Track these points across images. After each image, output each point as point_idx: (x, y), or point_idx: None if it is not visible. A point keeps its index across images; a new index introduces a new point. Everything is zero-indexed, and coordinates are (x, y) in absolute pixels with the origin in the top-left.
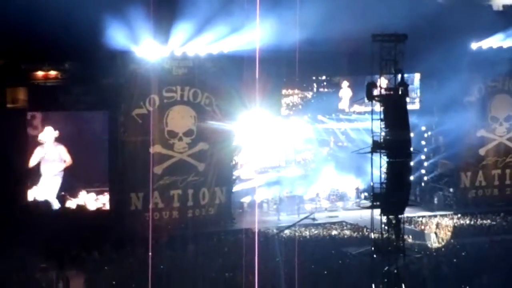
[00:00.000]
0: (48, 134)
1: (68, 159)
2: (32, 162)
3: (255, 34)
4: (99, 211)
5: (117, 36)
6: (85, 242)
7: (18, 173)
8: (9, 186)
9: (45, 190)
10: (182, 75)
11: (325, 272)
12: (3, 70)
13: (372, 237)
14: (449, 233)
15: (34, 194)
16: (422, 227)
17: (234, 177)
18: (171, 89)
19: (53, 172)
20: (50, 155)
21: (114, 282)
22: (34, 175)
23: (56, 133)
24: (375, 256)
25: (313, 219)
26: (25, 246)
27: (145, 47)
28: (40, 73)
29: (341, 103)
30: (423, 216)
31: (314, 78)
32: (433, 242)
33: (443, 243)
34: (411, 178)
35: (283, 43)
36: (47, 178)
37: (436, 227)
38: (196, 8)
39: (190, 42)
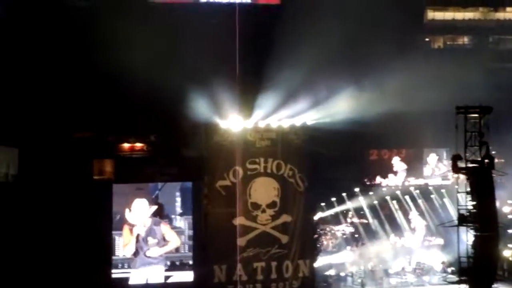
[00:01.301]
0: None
1: (174, 239)
2: (128, 251)
3: (338, 106)
4: (183, 283)
5: (201, 108)
6: None
7: (103, 249)
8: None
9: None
10: (266, 147)
11: None
12: (91, 143)
13: None
14: None
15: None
16: None
17: (317, 250)
18: (255, 161)
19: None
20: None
21: None
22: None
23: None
24: None
25: None
26: None
27: (229, 120)
28: (126, 145)
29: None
30: None
31: None
32: None
33: None
34: (499, 252)
35: (366, 115)
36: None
37: None
38: (280, 80)
39: (273, 114)
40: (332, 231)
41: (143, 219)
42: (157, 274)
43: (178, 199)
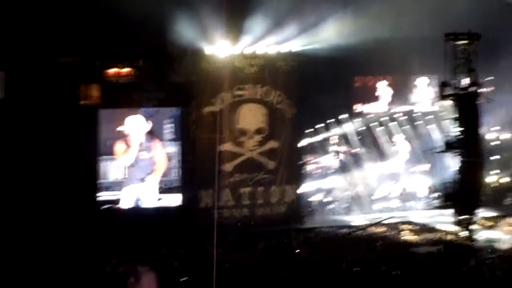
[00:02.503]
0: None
1: (161, 162)
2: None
3: (326, 32)
4: (169, 208)
5: (189, 33)
6: (155, 238)
7: (90, 173)
8: (83, 188)
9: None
10: (254, 73)
11: (396, 273)
12: (77, 67)
13: (443, 238)
14: None
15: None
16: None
17: (304, 176)
18: (243, 87)
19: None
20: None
21: (183, 278)
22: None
23: (149, 125)
24: (446, 257)
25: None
26: (97, 242)
27: (217, 45)
28: (113, 70)
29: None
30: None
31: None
32: None
33: None
34: (484, 178)
35: (353, 41)
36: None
37: None
38: (269, 5)
39: (262, 40)
40: (318, 163)
41: (139, 133)
42: (149, 193)
43: (167, 126)
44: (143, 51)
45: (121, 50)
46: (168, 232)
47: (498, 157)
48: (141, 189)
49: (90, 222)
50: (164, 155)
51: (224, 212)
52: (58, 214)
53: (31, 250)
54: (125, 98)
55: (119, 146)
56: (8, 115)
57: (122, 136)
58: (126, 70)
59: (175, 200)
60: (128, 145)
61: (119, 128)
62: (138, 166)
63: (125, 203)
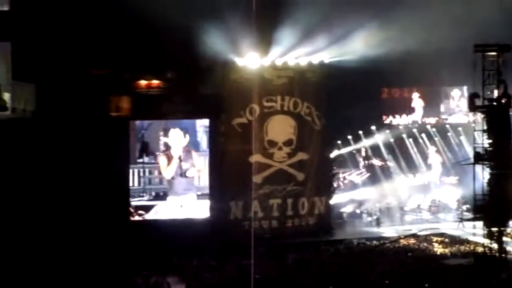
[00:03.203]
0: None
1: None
2: (169, 173)
3: (356, 43)
4: (199, 219)
5: (218, 45)
6: (185, 249)
7: (121, 186)
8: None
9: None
10: (283, 85)
11: (426, 285)
12: (107, 79)
13: (474, 250)
14: None
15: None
16: None
17: (333, 187)
18: (271, 98)
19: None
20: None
21: None
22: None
23: (186, 139)
24: (477, 269)
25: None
26: (128, 253)
27: (246, 57)
28: (143, 82)
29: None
30: None
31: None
32: None
33: None
34: None
35: (382, 53)
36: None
37: None
38: (299, 18)
39: (291, 52)
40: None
41: (180, 146)
42: (190, 201)
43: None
44: (173, 63)
45: (151, 62)
46: (198, 243)
47: None
48: (185, 200)
49: (127, 232)
50: (203, 165)
51: (253, 224)
52: (94, 224)
53: (70, 258)
54: (155, 109)
55: (162, 159)
56: (40, 127)
57: (165, 148)
58: (155, 82)
59: (204, 211)
60: (170, 158)
61: (164, 140)
62: (180, 178)
63: (169, 214)
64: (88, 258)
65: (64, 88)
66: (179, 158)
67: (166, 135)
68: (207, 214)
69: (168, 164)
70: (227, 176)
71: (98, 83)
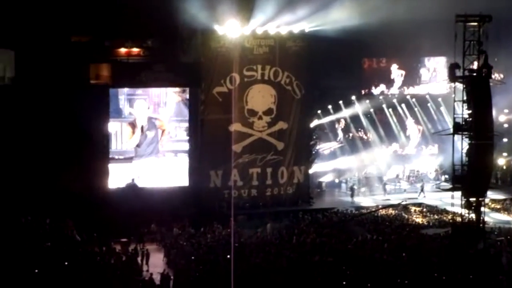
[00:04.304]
0: (141, 109)
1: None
2: (132, 143)
3: (337, 13)
4: (178, 187)
5: (199, 14)
6: (164, 217)
7: (100, 151)
8: (92, 164)
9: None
10: (263, 54)
11: (403, 254)
12: (87, 47)
13: (452, 220)
14: None
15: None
16: None
17: (313, 157)
18: (252, 67)
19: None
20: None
21: (192, 257)
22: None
23: (150, 109)
24: (454, 239)
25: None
26: (108, 221)
27: (227, 25)
28: (123, 50)
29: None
30: None
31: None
32: None
33: None
34: (493, 160)
35: (363, 23)
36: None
37: None
38: None
39: (271, 21)
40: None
41: (144, 116)
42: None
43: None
44: (153, 31)
45: (131, 30)
46: (177, 211)
47: (507, 140)
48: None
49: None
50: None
51: (233, 193)
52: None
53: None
54: (135, 78)
55: (126, 129)
56: (19, 94)
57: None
58: (136, 50)
59: (184, 179)
60: (134, 127)
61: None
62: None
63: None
64: (67, 224)
65: (44, 55)
66: (142, 128)
67: (131, 105)
68: (183, 181)
69: (133, 133)
70: (206, 145)
71: (78, 50)
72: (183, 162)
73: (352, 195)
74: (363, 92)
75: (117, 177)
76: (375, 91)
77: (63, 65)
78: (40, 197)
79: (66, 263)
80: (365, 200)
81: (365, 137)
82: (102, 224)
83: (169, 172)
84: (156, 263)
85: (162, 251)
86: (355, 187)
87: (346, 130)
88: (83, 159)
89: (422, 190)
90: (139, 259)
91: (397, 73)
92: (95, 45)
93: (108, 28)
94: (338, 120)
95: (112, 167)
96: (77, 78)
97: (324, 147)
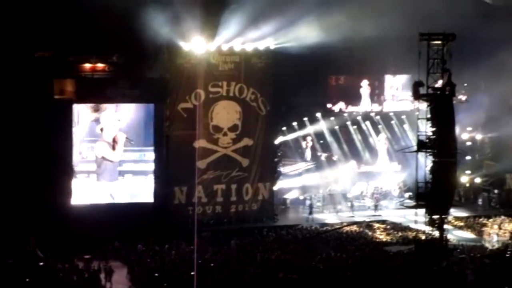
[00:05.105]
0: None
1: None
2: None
3: (302, 30)
4: (143, 204)
5: (164, 30)
6: (129, 234)
7: (63, 167)
8: (55, 181)
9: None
10: (228, 70)
11: (367, 270)
12: (51, 62)
13: (415, 237)
14: (508, 235)
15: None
16: (481, 227)
17: (277, 174)
18: (217, 84)
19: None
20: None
21: (156, 274)
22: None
23: (118, 118)
24: (418, 256)
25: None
26: (70, 237)
27: (192, 42)
28: (87, 66)
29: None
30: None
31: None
32: (494, 243)
33: (500, 245)
34: (457, 178)
35: (329, 40)
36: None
37: (498, 228)
38: (245, 2)
39: (237, 37)
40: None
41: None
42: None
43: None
44: (118, 47)
45: (96, 46)
46: (142, 228)
47: (470, 157)
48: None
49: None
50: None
51: (197, 209)
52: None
53: None
54: (100, 93)
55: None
56: None
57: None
58: (100, 65)
59: (148, 196)
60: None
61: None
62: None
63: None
64: (29, 241)
65: (7, 70)
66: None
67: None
68: (148, 198)
69: (113, 148)
70: (171, 161)
71: (42, 65)
72: (148, 179)
73: (310, 213)
74: (328, 108)
75: (80, 194)
76: (339, 108)
77: (26, 80)
78: (1, 214)
79: (27, 279)
80: (329, 217)
81: (331, 155)
82: (65, 240)
83: (134, 189)
84: (119, 280)
85: (126, 268)
86: (319, 203)
87: (313, 148)
88: (46, 174)
89: (376, 207)
90: (102, 276)
91: (365, 90)
92: (59, 60)
93: (72, 44)
94: (304, 138)
95: (75, 183)
96: (41, 93)
97: (292, 169)
